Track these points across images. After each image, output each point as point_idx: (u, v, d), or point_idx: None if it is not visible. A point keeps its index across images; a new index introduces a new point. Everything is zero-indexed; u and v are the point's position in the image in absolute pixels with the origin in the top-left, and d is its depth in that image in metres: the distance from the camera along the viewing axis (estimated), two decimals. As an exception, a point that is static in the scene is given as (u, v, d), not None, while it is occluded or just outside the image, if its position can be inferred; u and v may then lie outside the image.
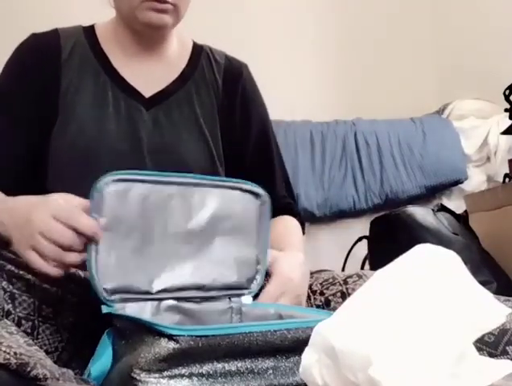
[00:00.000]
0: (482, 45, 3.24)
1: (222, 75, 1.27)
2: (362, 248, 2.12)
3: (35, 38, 1.21)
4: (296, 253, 1.12)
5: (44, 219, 0.87)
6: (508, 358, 0.90)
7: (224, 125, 1.24)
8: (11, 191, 1.07)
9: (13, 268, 0.92)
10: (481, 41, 3.27)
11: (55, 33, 1.21)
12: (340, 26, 3.41)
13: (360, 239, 2.16)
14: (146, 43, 1.22)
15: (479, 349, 0.75)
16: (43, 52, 1.19)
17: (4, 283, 0.90)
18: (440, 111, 3.17)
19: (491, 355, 0.90)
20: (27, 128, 1.16)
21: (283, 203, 1.27)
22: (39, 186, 1.14)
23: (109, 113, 1.17)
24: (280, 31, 3.23)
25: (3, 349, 0.72)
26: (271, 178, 1.28)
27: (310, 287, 1.09)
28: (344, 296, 1.04)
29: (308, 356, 0.71)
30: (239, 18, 3.16)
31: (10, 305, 0.88)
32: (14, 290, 0.90)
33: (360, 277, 1.07)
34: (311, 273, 1.17)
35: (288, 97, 2.95)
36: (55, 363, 0.82)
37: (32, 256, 0.88)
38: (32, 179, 1.16)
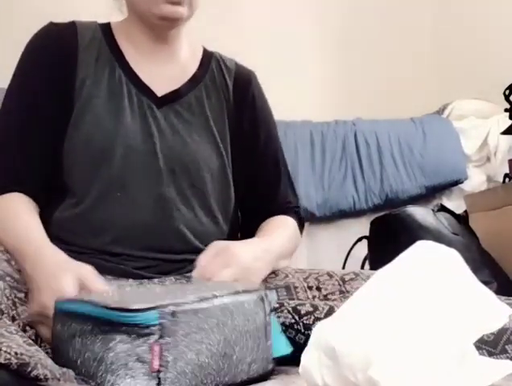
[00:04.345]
0: (482, 45, 3.24)
1: (233, 80, 1.28)
2: (362, 248, 2.12)
3: (53, 25, 1.21)
4: (260, 241, 1.16)
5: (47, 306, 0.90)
6: (507, 357, 0.90)
7: (232, 129, 1.25)
8: (36, 191, 1.13)
9: (12, 281, 0.94)
10: (481, 41, 3.27)
11: (72, 24, 1.22)
12: (341, 26, 3.40)
13: (360, 239, 2.15)
14: (160, 42, 1.22)
15: (478, 348, 0.75)
16: (61, 39, 1.19)
17: (7, 291, 0.91)
18: (440, 111, 3.16)
19: (490, 354, 0.90)
20: (48, 122, 1.15)
21: (286, 207, 1.30)
22: (59, 180, 1.15)
23: (125, 107, 1.17)
24: (280, 31, 3.22)
25: (4, 349, 0.72)
26: (276, 184, 1.30)
27: (305, 280, 1.11)
28: (342, 292, 1.05)
29: (308, 356, 0.71)
30: (238, 19, 3.16)
31: (15, 312, 0.90)
32: (16, 299, 0.92)
33: (356, 275, 1.10)
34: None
35: (288, 97, 2.94)
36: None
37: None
38: (53, 175, 1.15)
